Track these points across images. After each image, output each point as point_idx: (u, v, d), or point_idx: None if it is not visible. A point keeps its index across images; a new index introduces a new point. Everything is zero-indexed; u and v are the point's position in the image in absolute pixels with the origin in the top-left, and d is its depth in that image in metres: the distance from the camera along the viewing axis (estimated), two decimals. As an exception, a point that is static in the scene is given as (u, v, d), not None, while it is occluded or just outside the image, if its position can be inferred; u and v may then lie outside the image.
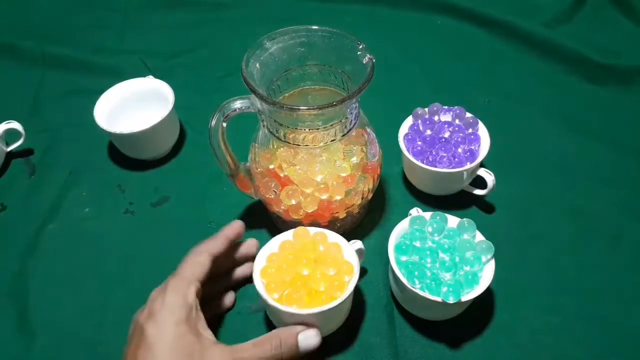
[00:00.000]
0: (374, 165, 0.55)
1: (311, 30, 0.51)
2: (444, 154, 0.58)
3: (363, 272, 0.56)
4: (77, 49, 0.87)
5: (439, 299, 0.45)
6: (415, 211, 0.54)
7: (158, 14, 0.95)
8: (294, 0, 0.95)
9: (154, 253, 0.59)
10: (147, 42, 0.89)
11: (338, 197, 0.52)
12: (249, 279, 0.52)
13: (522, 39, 0.84)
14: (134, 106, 0.70)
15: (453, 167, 0.58)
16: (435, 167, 0.58)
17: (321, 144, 0.50)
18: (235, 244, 0.53)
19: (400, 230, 0.51)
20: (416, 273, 0.47)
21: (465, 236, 0.50)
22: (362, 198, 0.54)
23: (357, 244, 0.50)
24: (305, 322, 0.45)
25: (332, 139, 0.49)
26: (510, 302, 0.53)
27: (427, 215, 0.52)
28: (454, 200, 0.62)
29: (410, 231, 0.51)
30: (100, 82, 0.73)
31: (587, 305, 0.53)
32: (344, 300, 0.45)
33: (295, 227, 0.57)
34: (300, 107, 0.45)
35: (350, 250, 0.49)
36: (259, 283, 0.47)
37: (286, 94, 0.54)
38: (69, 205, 0.65)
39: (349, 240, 0.50)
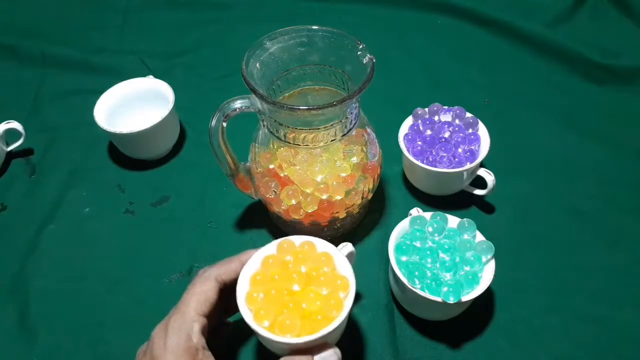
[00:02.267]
0: (374, 165, 0.55)
1: (311, 30, 0.51)
2: (444, 154, 0.58)
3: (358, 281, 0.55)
4: (77, 49, 0.87)
5: (439, 299, 0.45)
6: (415, 211, 0.54)
7: (158, 14, 0.95)
8: (294, 0, 0.95)
9: (154, 253, 0.59)
10: (147, 42, 0.89)
11: (338, 197, 0.52)
12: None
13: (522, 39, 0.84)
14: (134, 106, 0.70)
15: (453, 167, 0.58)
16: (435, 167, 0.58)
17: (321, 144, 0.50)
18: None
19: (400, 230, 0.51)
20: (416, 273, 0.47)
21: (466, 236, 0.50)
22: (362, 198, 0.54)
23: (347, 247, 0.46)
24: (304, 349, 0.40)
25: (332, 139, 0.49)
26: (510, 302, 0.53)
27: (428, 215, 0.52)
28: (454, 200, 0.62)
29: (411, 231, 0.51)
30: (100, 82, 0.73)
31: (587, 305, 0.53)
32: (342, 320, 0.40)
33: (295, 227, 0.57)
34: (300, 107, 0.45)
35: (341, 258, 0.44)
36: (246, 312, 0.40)
37: (286, 94, 0.54)
38: (69, 205, 0.65)
39: (337, 244, 0.46)
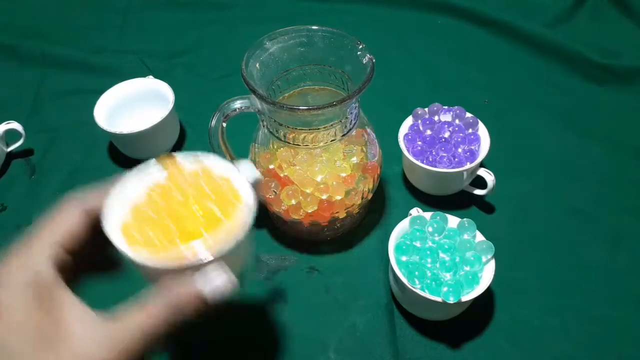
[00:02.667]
0: (374, 165, 0.55)
1: (311, 30, 0.51)
2: (444, 154, 0.58)
3: (358, 281, 0.55)
4: (77, 49, 0.87)
5: (439, 299, 0.45)
6: (415, 211, 0.54)
7: (158, 14, 0.95)
8: (294, 0, 0.95)
9: (154, 253, 0.59)
10: (147, 42, 0.89)
11: (338, 197, 0.52)
12: None
13: (522, 39, 0.84)
14: (134, 106, 0.70)
15: (453, 167, 0.58)
16: (435, 167, 0.58)
17: (321, 144, 0.50)
18: None
19: (400, 230, 0.51)
20: (416, 273, 0.47)
21: (466, 236, 0.50)
22: (362, 198, 0.54)
23: (246, 166, 0.38)
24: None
25: (332, 139, 0.49)
26: (510, 302, 0.53)
27: (428, 215, 0.52)
28: (454, 200, 0.62)
29: (411, 231, 0.51)
30: (100, 82, 0.73)
31: (587, 305, 0.53)
32: (237, 236, 0.33)
33: (295, 227, 0.57)
34: (300, 107, 0.45)
35: (242, 182, 0.37)
36: (118, 239, 0.34)
37: (286, 94, 0.54)
38: (69, 205, 0.65)
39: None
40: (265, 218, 0.61)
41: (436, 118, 0.63)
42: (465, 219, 0.51)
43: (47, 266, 0.31)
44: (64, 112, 0.77)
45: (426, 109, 0.63)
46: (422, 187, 0.62)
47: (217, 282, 0.32)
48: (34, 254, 0.31)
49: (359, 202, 0.54)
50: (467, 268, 0.48)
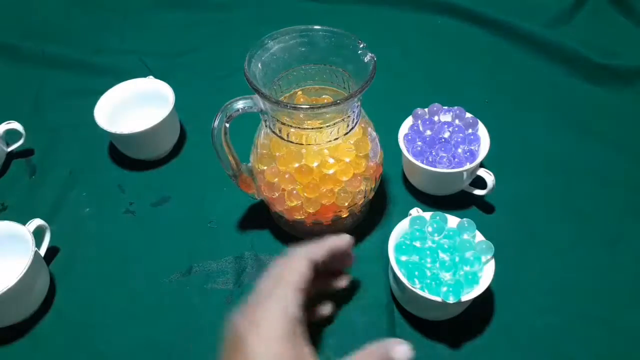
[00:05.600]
0: (375, 165, 0.55)
1: (312, 30, 0.51)
2: (444, 154, 0.58)
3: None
4: (78, 49, 0.87)
5: (439, 299, 0.45)
6: (415, 211, 0.54)
7: (158, 14, 0.95)
8: (295, 1, 0.95)
9: (154, 253, 0.59)
10: (147, 42, 0.89)
11: (344, 178, 0.52)
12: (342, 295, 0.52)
13: (522, 39, 0.84)
14: (134, 106, 0.70)
15: (453, 168, 0.58)
16: (435, 167, 0.58)
17: (323, 143, 0.50)
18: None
19: (400, 230, 0.51)
20: (416, 273, 0.47)
21: (465, 236, 0.50)
22: (364, 197, 0.54)
23: None
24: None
25: (335, 137, 0.49)
26: (510, 302, 0.53)
27: (427, 215, 0.52)
28: (454, 200, 0.62)
29: (410, 231, 0.51)
30: (100, 82, 0.73)
31: (587, 305, 0.53)
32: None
33: (297, 227, 0.57)
34: (303, 106, 0.45)
35: None
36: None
37: (288, 94, 0.54)
38: (69, 205, 0.65)
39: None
40: (266, 218, 0.61)
41: (436, 118, 0.63)
42: (465, 219, 0.51)
43: (296, 307, 0.40)
44: (64, 112, 0.77)
45: (426, 109, 0.63)
46: (422, 187, 0.62)
47: (403, 355, 0.39)
48: (287, 293, 0.40)
49: (361, 201, 0.54)
50: (467, 268, 0.48)
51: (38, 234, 0.56)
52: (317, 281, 0.46)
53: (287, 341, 0.38)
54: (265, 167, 0.54)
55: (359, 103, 0.50)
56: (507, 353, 0.50)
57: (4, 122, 0.69)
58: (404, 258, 0.49)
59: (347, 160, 0.53)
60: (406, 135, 0.61)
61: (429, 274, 0.47)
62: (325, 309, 0.50)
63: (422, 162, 0.58)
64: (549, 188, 0.63)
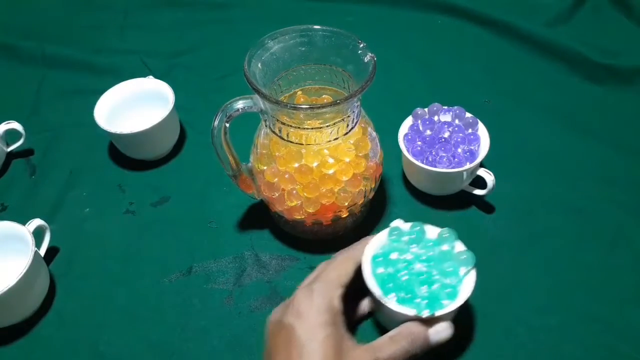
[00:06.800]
0: (375, 165, 0.55)
1: (312, 30, 0.51)
2: (444, 154, 0.58)
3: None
4: (77, 49, 0.87)
5: (412, 313, 0.43)
6: (396, 222, 0.50)
7: (158, 14, 0.95)
8: (294, 0, 0.95)
9: (154, 253, 0.59)
10: (147, 42, 0.89)
11: (344, 178, 0.52)
12: None
13: (522, 39, 0.84)
14: (134, 106, 0.70)
15: (453, 167, 0.58)
16: (435, 167, 0.58)
17: (323, 143, 0.50)
18: None
19: (377, 241, 0.48)
20: (390, 285, 0.45)
21: (445, 247, 0.47)
22: (364, 197, 0.54)
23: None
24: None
25: (335, 137, 0.49)
26: (510, 302, 0.53)
27: (407, 226, 0.49)
28: (454, 200, 0.62)
29: (388, 243, 0.48)
30: (100, 82, 0.73)
31: (587, 305, 0.53)
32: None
33: (297, 226, 0.57)
34: (303, 106, 0.46)
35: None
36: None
37: (287, 94, 0.54)
38: (69, 205, 0.65)
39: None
40: (266, 218, 0.61)
41: (436, 118, 0.63)
42: (445, 229, 0.48)
43: (339, 297, 0.44)
44: (64, 112, 0.77)
45: (426, 109, 0.63)
46: (422, 187, 0.62)
47: (441, 328, 0.44)
48: (331, 287, 0.44)
49: (361, 201, 0.54)
50: (447, 280, 0.45)
51: (38, 234, 0.56)
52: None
53: (330, 327, 0.41)
54: (265, 167, 0.54)
55: (358, 103, 0.50)
56: (507, 353, 0.50)
57: (3, 122, 0.69)
58: (380, 270, 0.46)
59: (347, 160, 0.53)
60: (406, 135, 0.61)
61: (404, 286, 0.45)
62: (364, 305, 0.52)
63: (422, 162, 0.58)
64: (549, 188, 0.63)
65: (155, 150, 0.68)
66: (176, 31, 0.92)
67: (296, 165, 0.52)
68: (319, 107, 0.45)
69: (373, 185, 0.55)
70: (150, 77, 0.71)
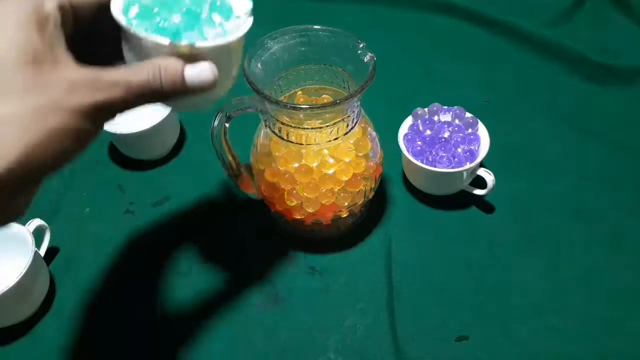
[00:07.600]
0: (375, 165, 0.55)
1: (312, 30, 0.51)
2: (444, 154, 0.58)
3: (357, 281, 0.55)
4: (77, 48, 0.87)
5: (166, 42, 0.32)
6: None
7: (158, 13, 0.95)
8: (294, 0, 0.95)
9: (154, 253, 0.59)
10: (147, 42, 0.89)
11: (344, 178, 0.52)
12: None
13: (522, 39, 0.84)
14: (134, 106, 0.70)
15: (453, 167, 0.58)
16: (435, 167, 0.58)
17: (323, 143, 0.50)
18: None
19: None
20: (139, 11, 0.34)
21: None
22: (364, 197, 0.54)
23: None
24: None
25: (335, 137, 0.49)
26: (510, 302, 0.53)
27: None
28: (454, 200, 0.62)
29: None
30: (100, 82, 0.73)
31: (587, 305, 0.53)
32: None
33: (297, 226, 0.57)
34: (303, 106, 0.46)
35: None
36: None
37: (287, 94, 0.54)
38: (69, 205, 0.65)
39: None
40: (266, 217, 0.61)
41: (436, 118, 0.63)
42: None
43: (52, 5, 0.31)
44: (64, 112, 0.77)
45: (426, 109, 0.63)
46: (422, 187, 0.62)
47: (201, 67, 0.33)
48: None
49: (361, 201, 0.54)
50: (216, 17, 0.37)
51: (38, 234, 0.56)
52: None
53: (32, 26, 0.30)
54: (265, 167, 0.54)
55: (358, 103, 0.50)
56: (508, 353, 0.50)
57: (3, 122, 0.69)
58: (132, 13, 0.34)
59: (347, 160, 0.53)
60: (406, 135, 0.61)
61: (159, 13, 0.34)
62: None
63: (422, 162, 0.58)
64: (549, 188, 0.63)
65: (155, 150, 0.68)
66: (176, 31, 0.91)
67: (296, 165, 0.52)
68: (318, 107, 0.45)
69: (373, 185, 0.55)
70: (150, 77, 0.71)
